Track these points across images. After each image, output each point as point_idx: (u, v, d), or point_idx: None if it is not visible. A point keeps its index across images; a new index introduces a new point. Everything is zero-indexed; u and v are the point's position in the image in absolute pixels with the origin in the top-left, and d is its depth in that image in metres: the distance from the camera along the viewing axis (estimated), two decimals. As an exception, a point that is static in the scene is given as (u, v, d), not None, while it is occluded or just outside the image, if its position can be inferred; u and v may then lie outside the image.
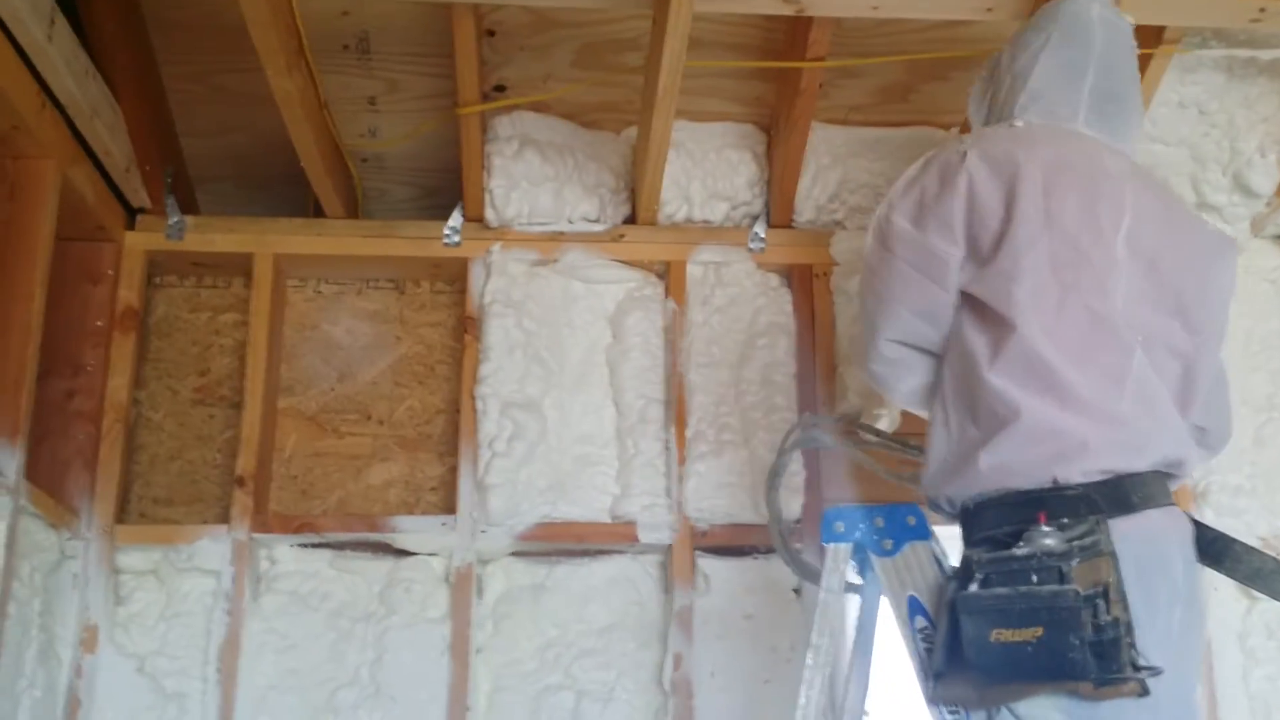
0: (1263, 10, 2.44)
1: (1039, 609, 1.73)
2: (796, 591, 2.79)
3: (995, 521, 1.85)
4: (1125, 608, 1.72)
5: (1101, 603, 1.71)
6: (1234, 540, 1.92)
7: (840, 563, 2.22)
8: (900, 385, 2.11)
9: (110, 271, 2.82)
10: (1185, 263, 2.01)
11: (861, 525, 2.21)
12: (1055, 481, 1.81)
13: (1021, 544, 1.78)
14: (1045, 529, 1.77)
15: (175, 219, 2.88)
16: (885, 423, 2.73)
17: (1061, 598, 1.71)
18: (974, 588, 1.80)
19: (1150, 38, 2.61)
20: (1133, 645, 1.70)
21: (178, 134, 2.96)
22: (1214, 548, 1.91)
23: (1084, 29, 2.12)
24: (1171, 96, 2.84)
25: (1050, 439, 1.83)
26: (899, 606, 2.12)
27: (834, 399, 2.91)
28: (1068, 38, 2.11)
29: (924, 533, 2.16)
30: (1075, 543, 1.75)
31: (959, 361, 1.96)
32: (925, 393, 2.08)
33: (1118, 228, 1.95)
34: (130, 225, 2.88)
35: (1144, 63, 2.64)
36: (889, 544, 2.17)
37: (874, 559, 2.18)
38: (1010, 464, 1.84)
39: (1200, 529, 1.92)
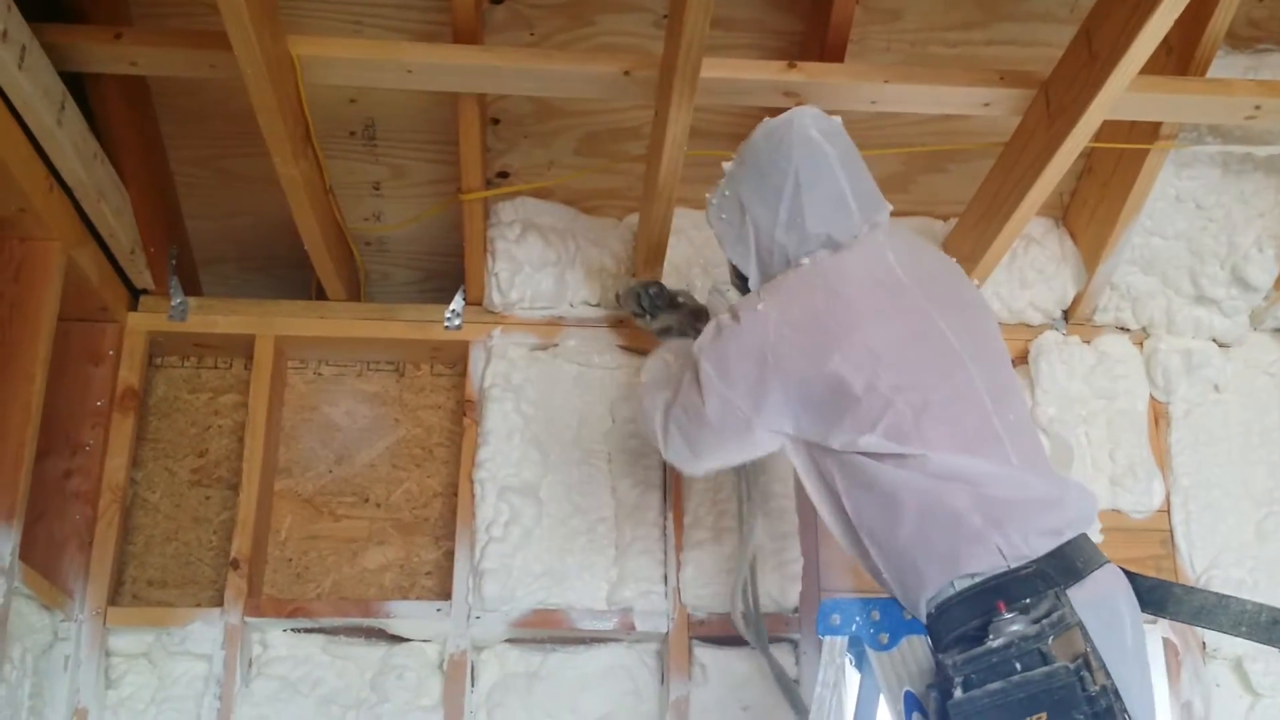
0: (1258, 107, 2.48)
1: (1038, 694, 1.75)
2: (795, 683, 2.75)
3: (961, 619, 1.86)
4: (1106, 674, 1.75)
5: (1086, 674, 1.74)
6: (1172, 584, 1.97)
7: (836, 656, 2.20)
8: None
9: (112, 352, 2.83)
10: (986, 323, 2.12)
11: (858, 618, 2.19)
12: (1001, 553, 1.83)
13: (992, 636, 1.79)
14: (1008, 616, 1.80)
15: (178, 300, 2.90)
16: None
17: (1056, 677, 1.74)
18: (958, 693, 1.80)
19: (1147, 133, 2.65)
20: (1125, 710, 1.74)
21: (183, 216, 2.99)
22: (1154, 595, 1.96)
23: (817, 150, 2.11)
24: (1169, 191, 2.87)
25: (978, 512, 1.86)
26: (895, 702, 2.09)
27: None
28: (814, 175, 2.10)
29: (920, 627, 2.13)
30: (1044, 621, 1.78)
31: (854, 487, 1.98)
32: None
33: (936, 325, 2.00)
34: (133, 306, 2.90)
35: (1140, 158, 2.68)
36: (885, 638, 2.15)
37: (870, 653, 2.16)
38: (953, 551, 1.87)
39: (1136, 580, 1.95)
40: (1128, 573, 1.96)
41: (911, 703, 2.07)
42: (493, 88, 2.52)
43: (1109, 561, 1.94)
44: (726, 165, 2.22)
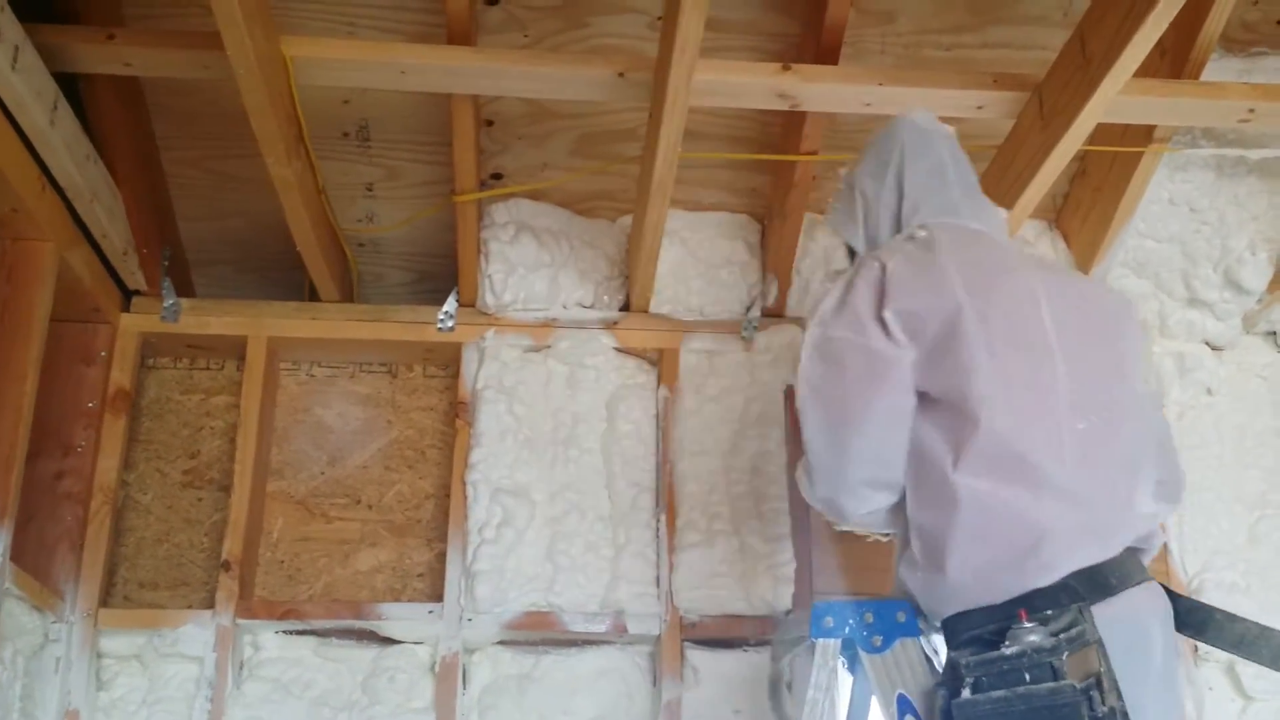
0: (1252, 110, 2.49)
1: (1040, 708, 1.73)
2: (788, 686, 2.75)
3: (979, 621, 1.86)
4: (1118, 695, 1.73)
5: (1096, 694, 1.72)
6: (1214, 609, 1.95)
7: (829, 659, 2.19)
8: (860, 510, 2.11)
9: (104, 353, 2.83)
10: (1105, 328, 2.07)
11: (851, 620, 2.18)
12: (1036, 582, 1.82)
13: (1008, 643, 1.78)
14: (1028, 625, 1.78)
15: (170, 301, 2.89)
16: None
17: (1060, 694, 1.72)
18: (966, 693, 1.79)
19: (1140, 136, 2.65)
20: None
21: (176, 217, 2.99)
22: (1194, 618, 1.94)
23: (926, 138, 2.22)
24: (1162, 194, 2.88)
25: (1025, 536, 1.84)
26: (888, 705, 2.09)
27: (826, 490, 2.90)
28: (917, 149, 2.21)
29: (914, 629, 2.13)
30: (1062, 635, 1.77)
31: (917, 468, 1.97)
32: (883, 515, 2.11)
33: (1040, 313, 2.00)
34: (125, 307, 2.89)
35: (1134, 161, 2.68)
36: (878, 640, 2.14)
37: (863, 656, 2.15)
38: (990, 577, 1.85)
39: (1177, 601, 1.93)
40: (1170, 593, 1.93)
41: (905, 706, 2.07)
42: (487, 89, 2.51)
43: (1151, 580, 1.91)
44: (842, 170, 2.36)
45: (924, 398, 1.98)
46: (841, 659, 2.21)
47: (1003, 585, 1.84)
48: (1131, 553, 1.90)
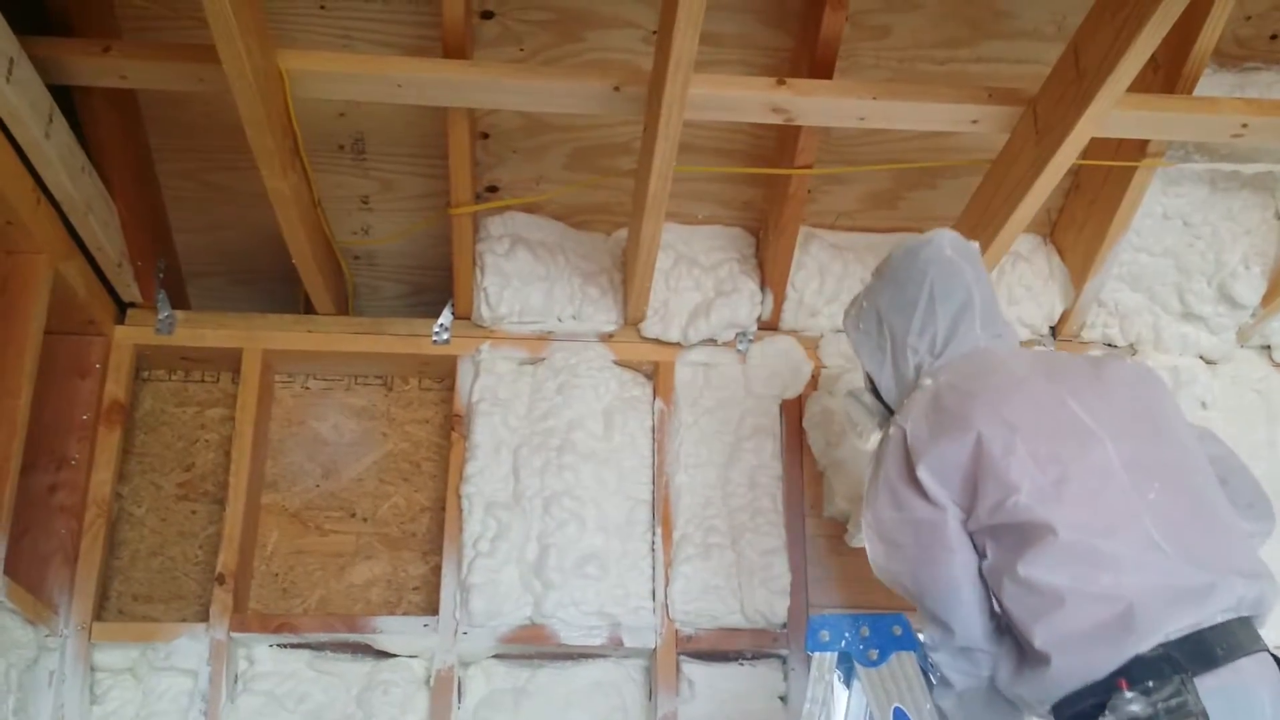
0: (1245, 125, 2.50)
1: None
2: (782, 699, 2.75)
3: (1081, 697, 1.85)
4: None
5: None
6: None
7: (825, 672, 2.19)
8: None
9: (98, 365, 2.82)
10: (1132, 400, 2.09)
11: (847, 634, 2.19)
12: (1136, 652, 1.81)
13: (1108, 714, 1.78)
14: (1129, 695, 1.77)
15: (165, 314, 2.89)
16: None
17: None
18: None
19: (1134, 151, 2.66)
20: None
21: (171, 230, 2.99)
22: None
23: (955, 272, 2.23)
24: (1156, 208, 2.88)
25: (1116, 611, 1.83)
26: (884, 718, 2.09)
27: (821, 503, 2.90)
28: (947, 288, 2.22)
29: (910, 643, 2.14)
30: (1161, 705, 1.76)
31: (1001, 583, 1.97)
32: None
33: (1067, 406, 2.03)
34: (120, 319, 2.89)
35: (1128, 175, 2.69)
36: (874, 654, 2.15)
37: (859, 669, 2.16)
38: (1089, 660, 1.84)
39: None
40: None
41: (901, 719, 2.07)
42: (482, 102, 2.52)
43: (1264, 650, 1.86)
44: (866, 280, 2.37)
45: (988, 530, 1.99)
46: (837, 673, 2.21)
47: (1103, 661, 1.83)
48: (1243, 622, 1.86)
